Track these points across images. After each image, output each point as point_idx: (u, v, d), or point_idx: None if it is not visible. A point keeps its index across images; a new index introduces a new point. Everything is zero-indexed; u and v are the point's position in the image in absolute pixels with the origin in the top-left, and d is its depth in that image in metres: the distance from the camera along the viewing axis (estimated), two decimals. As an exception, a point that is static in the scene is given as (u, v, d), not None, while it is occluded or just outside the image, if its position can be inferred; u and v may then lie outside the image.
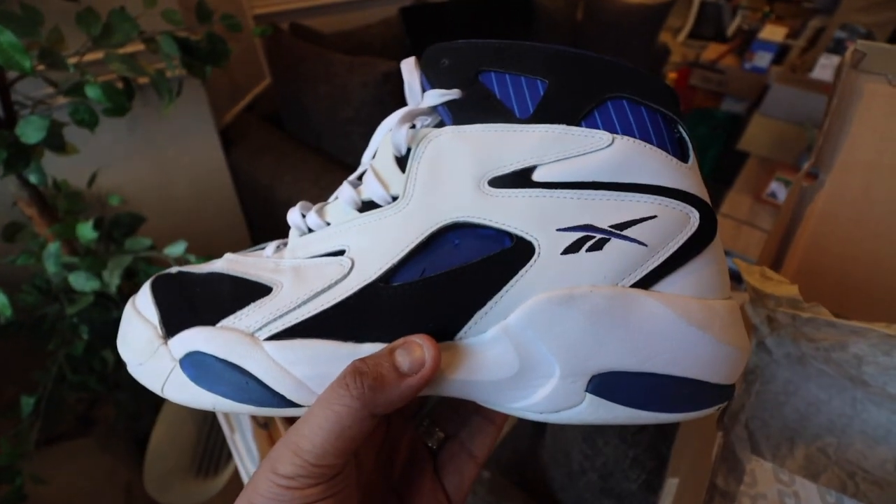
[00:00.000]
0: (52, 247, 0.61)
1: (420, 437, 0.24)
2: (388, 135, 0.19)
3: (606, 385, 0.17)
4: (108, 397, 0.79)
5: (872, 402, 0.35)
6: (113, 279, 0.63)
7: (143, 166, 0.89)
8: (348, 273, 0.18)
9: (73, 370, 0.68)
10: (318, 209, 0.20)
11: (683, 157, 0.18)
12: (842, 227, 0.36)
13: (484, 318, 0.17)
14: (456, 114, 0.18)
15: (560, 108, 0.17)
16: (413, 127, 0.19)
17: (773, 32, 1.88)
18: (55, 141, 0.54)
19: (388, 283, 0.18)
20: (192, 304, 0.19)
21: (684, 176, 0.18)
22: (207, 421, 0.79)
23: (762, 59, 1.88)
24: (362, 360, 0.17)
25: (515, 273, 0.17)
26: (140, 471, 0.73)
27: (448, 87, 0.18)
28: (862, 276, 0.34)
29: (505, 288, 0.17)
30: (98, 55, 0.59)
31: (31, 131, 0.49)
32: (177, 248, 0.64)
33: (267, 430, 0.66)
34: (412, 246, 0.17)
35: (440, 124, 0.19)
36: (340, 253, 0.18)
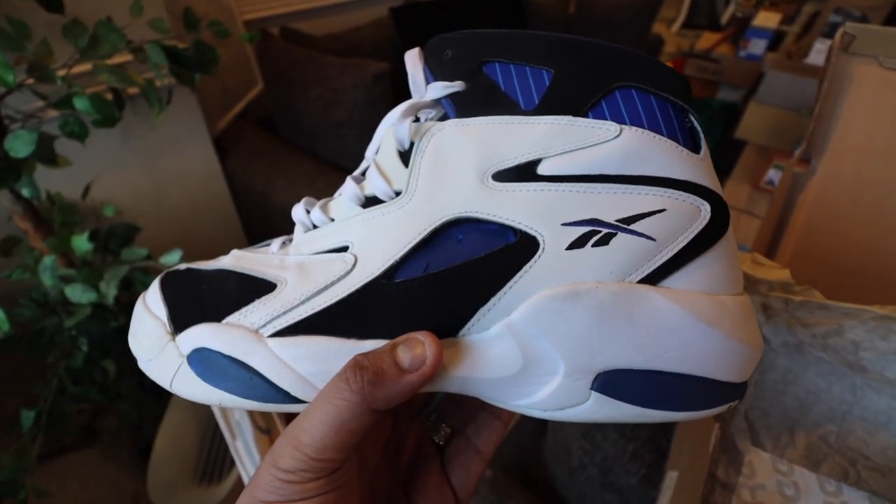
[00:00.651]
0: (48, 260, 0.61)
1: (427, 432, 0.24)
2: (390, 129, 0.19)
3: (612, 383, 0.17)
4: (111, 408, 0.79)
5: (872, 388, 0.35)
6: (110, 290, 0.63)
7: (138, 176, 0.89)
8: (351, 269, 0.18)
9: (73, 382, 0.69)
10: (322, 205, 0.20)
11: (695, 148, 0.18)
12: (835, 211, 0.35)
13: (487, 315, 0.17)
14: (459, 106, 0.18)
15: (566, 98, 0.17)
16: (416, 120, 0.19)
17: (767, 19, 1.87)
18: (46, 154, 0.54)
19: (390, 280, 0.17)
20: (199, 300, 0.19)
21: (695, 167, 0.17)
22: (210, 428, 0.79)
23: (757, 46, 1.87)
24: (363, 354, 0.17)
25: (520, 269, 0.17)
26: (145, 480, 0.73)
27: (451, 80, 0.18)
28: (856, 260, 0.34)
29: (509, 284, 0.17)
30: (87, 66, 0.59)
31: (19, 145, 0.49)
32: (172, 258, 0.64)
33: (269, 436, 0.66)
34: (415, 242, 0.17)
35: (444, 117, 0.18)
36: (344, 249, 0.18)
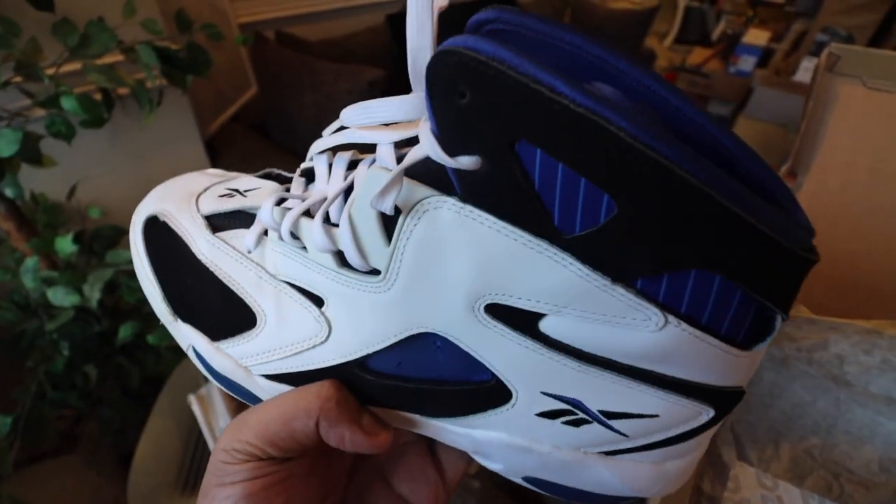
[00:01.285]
0: (30, 261, 0.59)
1: None
2: (373, 171, 0.14)
3: (535, 482, 0.18)
4: (92, 414, 0.77)
5: (856, 402, 0.35)
6: (93, 293, 0.62)
7: (126, 178, 0.88)
8: (326, 339, 0.17)
9: (53, 387, 0.67)
10: (293, 222, 0.16)
11: (747, 343, 0.13)
12: (820, 228, 0.36)
13: (448, 426, 0.18)
14: (468, 186, 0.12)
15: (620, 252, 0.12)
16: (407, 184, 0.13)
17: (757, 36, 1.91)
18: (31, 153, 0.54)
19: (363, 367, 0.17)
20: (189, 300, 0.19)
21: (732, 368, 0.13)
22: (193, 436, 0.77)
23: (746, 62, 1.90)
24: (343, 391, 0.17)
25: (485, 410, 0.16)
26: (126, 487, 0.72)
27: (462, 145, 0.12)
28: (841, 275, 0.35)
29: (472, 416, 0.17)
30: (76, 66, 0.59)
31: (3, 144, 0.48)
32: (159, 260, 0.64)
33: (253, 444, 0.64)
34: (393, 340, 0.16)
35: (447, 188, 0.13)
36: (319, 301, 0.16)
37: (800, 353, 0.32)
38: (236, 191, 0.20)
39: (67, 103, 0.52)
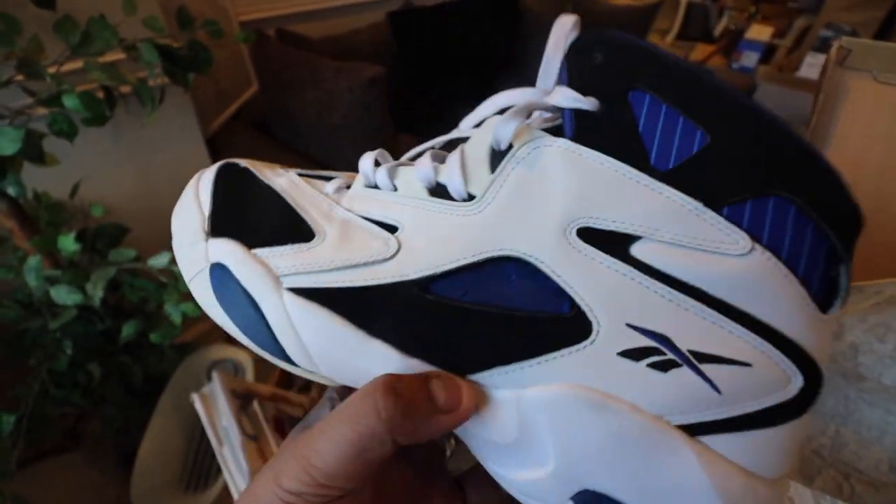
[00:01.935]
0: (33, 260, 0.59)
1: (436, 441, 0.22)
2: (493, 121, 0.16)
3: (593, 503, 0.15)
4: (95, 412, 0.77)
5: (865, 400, 0.35)
6: (96, 292, 0.62)
7: (128, 176, 0.87)
8: (391, 257, 0.16)
9: (56, 385, 0.67)
10: (390, 168, 0.18)
11: (824, 306, 0.14)
12: (830, 224, 0.35)
13: (503, 376, 0.16)
14: (581, 128, 0.14)
15: (710, 178, 0.13)
16: (528, 118, 0.16)
17: (760, 32, 1.90)
18: (33, 152, 0.53)
19: (423, 290, 0.16)
20: (242, 213, 0.18)
21: (813, 329, 0.14)
22: (196, 434, 0.77)
23: (749, 58, 1.89)
24: (397, 378, 0.15)
25: (558, 349, 0.15)
26: (129, 486, 0.72)
27: (587, 92, 0.14)
28: (852, 271, 0.34)
29: (540, 359, 0.15)
30: (78, 64, 0.58)
31: (5, 142, 0.48)
32: (161, 260, 0.63)
33: (256, 443, 0.64)
34: (465, 262, 0.15)
35: (558, 130, 0.15)
36: (393, 229, 0.17)
37: (810, 351, 0.32)
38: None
39: (69, 101, 0.52)
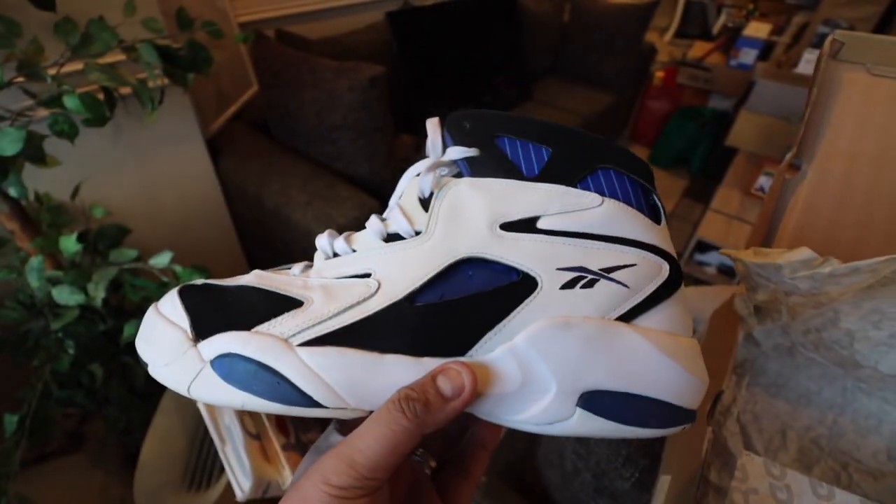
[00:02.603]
0: (35, 261, 0.60)
1: (416, 463, 0.26)
2: (414, 179, 0.23)
3: (594, 401, 0.20)
4: (98, 413, 0.77)
5: (863, 391, 0.35)
6: (98, 292, 0.62)
7: (129, 177, 0.88)
8: (375, 292, 0.20)
9: (59, 386, 0.67)
10: (345, 237, 0.23)
11: (656, 220, 0.22)
12: (824, 215, 0.35)
13: (493, 339, 0.20)
14: (474, 168, 0.22)
15: (561, 171, 0.21)
16: (435, 175, 0.22)
17: (758, 29, 1.90)
18: (34, 153, 0.54)
19: (412, 303, 0.20)
20: (224, 311, 0.20)
21: (657, 234, 0.22)
22: (198, 434, 0.77)
23: (747, 55, 1.89)
24: (409, 387, 0.19)
25: (521, 302, 0.20)
26: (132, 486, 0.72)
27: (468, 146, 0.22)
28: (845, 261, 0.34)
29: (512, 314, 0.20)
30: (78, 65, 0.59)
31: (7, 143, 0.48)
32: (162, 259, 0.64)
33: (259, 441, 0.65)
34: (433, 274, 0.20)
35: (458, 175, 0.22)
36: (367, 276, 0.21)
37: (808, 337, 0.32)
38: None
39: (70, 102, 0.52)
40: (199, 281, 0.22)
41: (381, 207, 0.99)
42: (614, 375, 0.20)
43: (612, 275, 0.21)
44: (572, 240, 0.21)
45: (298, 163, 1.07)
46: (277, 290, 0.21)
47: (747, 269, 0.30)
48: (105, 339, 0.69)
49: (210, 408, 0.61)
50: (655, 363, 0.20)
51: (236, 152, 1.09)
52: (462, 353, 0.20)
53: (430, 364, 0.20)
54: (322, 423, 0.77)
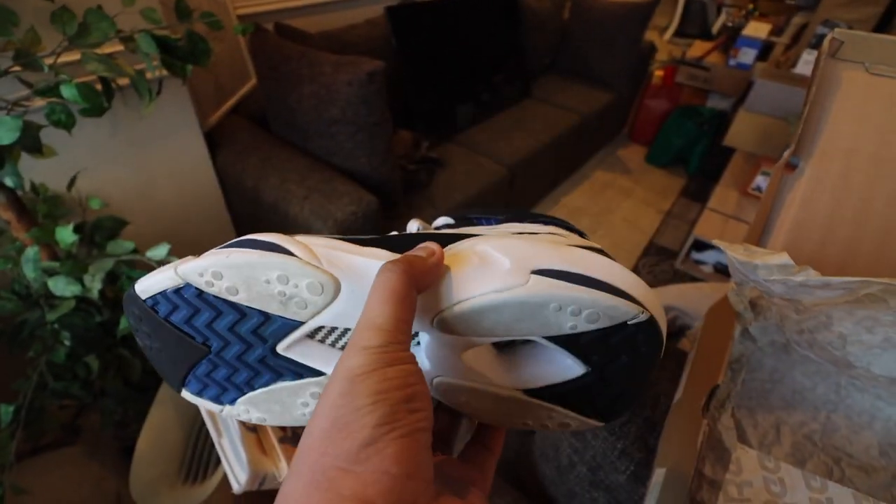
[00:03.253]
0: (31, 251, 0.59)
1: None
2: None
3: (544, 272, 0.21)
4: (94, 405, 0.77)
5: (856, 387, 0.35)
6: (94, 284, 0.62)
7: (126, 169, 0.87)
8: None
9: (54, 377, 0.67)
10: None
11: None
12: (821, 212, 0.36)
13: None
14: None
15: None
16: None
17: (757, 29, 1.90)
18: (31, 143, 0.53)
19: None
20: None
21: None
22: (195, 426, 0.77)
23: (746, 55, 1.90)
24: (390, 260, 0.21)
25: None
26: (128, 478, 0.72)
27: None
28: (842, 258, 0.35)
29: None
30: (75, 55, 0.58)
31: (3, 132, 0.48)
32: (159, 251, 0.63)
33: (256, 434, 0.65)
34: None
35: None
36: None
37: (802, 336, 0.32)
38: None
39: (67, 91, 0.52)
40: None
41: (378, 203, 0.99)
42: (560, 261, 0.21)
43: None
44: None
45: (296, 157, 1.07)
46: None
47: (733, 264, 0.30)
48: (101, 330, 0.68)
49: (207, 400, 0.61)
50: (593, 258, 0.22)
51: (234, 145, 1.09)
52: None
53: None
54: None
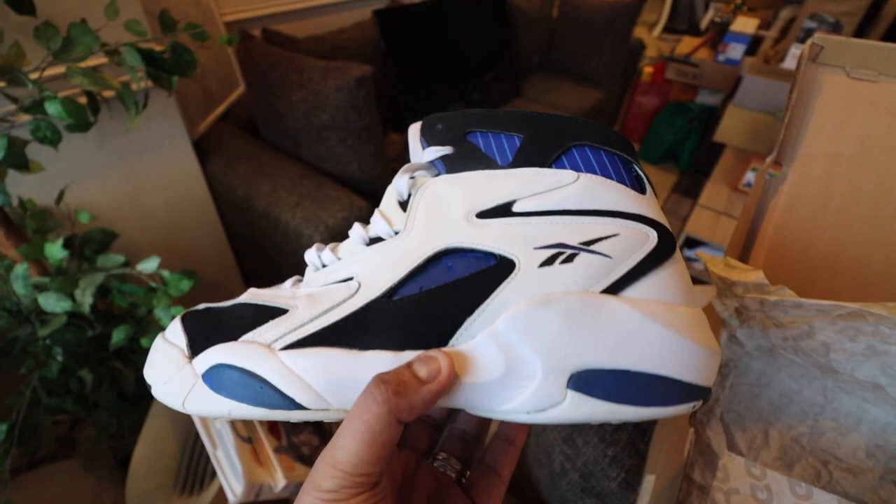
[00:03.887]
0: (20, 268, 0.59)
1: (440, 468, 0.25)
2: (392, 184, 0.23)
3: (585, 381, 0.19)
4: (88, 418, 0.77)
5: (843, 389, 0.36)
6: (86, 298, 0.62)
7: (115, 181, 0.87)
8: (355, 293, 0.20)
9: (48, 392, 0.67)
10: (331, 247, 0.24)
11: (641, 191, 0.21)
12: (804, 218, 0.36)
13: (473, 325, 0.20)
14: (449, 165, 0.22)
15: (533, 155, 0.21)
16: (413, 178, 0.23)
17: (745, 24, 1.91)
18: (17, 159, 0.53)
19: (390, 298, 0.20)
20: (217, 327, 0.21)
21: (642, 204, 0.21)
22: (190, 438, 0.77)
23: (735, 50, 1.90)
24: (384, 372, 0.18)
25: (500, 284, 0.20)
26: (125, 491, 0.72)
27: (442, 145, 0.22)
28: (825, 262, 0.35)
29: (491, 297, 0.20)
30: (60, 70, 0.58)
31: (-12, 151, 0.48)
32: (150, 265, 0.63)
33: (251, 445, 0.65)
34: (411, 268, 0.20)
35: (436, 175, 0.22)
36: (349, 279, 0.21)
37: (786, 343, 0.32)
38: None
39: (52, 108, 0.52)
40: (202, 306, 0.23)
41: (370, 208, 0.99)
42: (604, 351, 0.18)
43: (592, 247, 0.20)
44: (549, 218, 0.20)
45: (287, 164, 1.06)
46: (265, 303, 0.22)
47: (722, 280, 0.31)
48: (93, 345, 0.68)
49: (201, 413, 0.61)
50: (647, 333, 0.19)
51: (224, 154, 1.08)
52: (443, 343, 0.20)
53: (410, 357, 0.19)
54: (313, 426, 0.77)
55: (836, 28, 1.63)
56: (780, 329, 0.30)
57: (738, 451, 0.34)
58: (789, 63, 1.60)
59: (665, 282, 0.20)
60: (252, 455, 0.61)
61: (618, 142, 0.21)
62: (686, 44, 2.12)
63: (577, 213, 0.20)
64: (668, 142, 2.06)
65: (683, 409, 0.19)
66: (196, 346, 0.21)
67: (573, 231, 0.20)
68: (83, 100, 0.58)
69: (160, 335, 0.22)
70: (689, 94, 2.14)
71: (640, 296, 0.20)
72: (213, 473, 0.74)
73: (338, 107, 0.95)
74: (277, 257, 1.07)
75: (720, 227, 1.45)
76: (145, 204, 0.93)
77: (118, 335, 0.66)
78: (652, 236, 0.20)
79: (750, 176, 1.54)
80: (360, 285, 0.21)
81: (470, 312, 0.20)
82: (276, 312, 0.21)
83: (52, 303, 0.60)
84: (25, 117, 0.62)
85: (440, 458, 0.26)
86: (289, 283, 0.24)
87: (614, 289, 0.20)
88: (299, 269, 0.30)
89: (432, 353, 0.19)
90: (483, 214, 0.21)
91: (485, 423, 0.27)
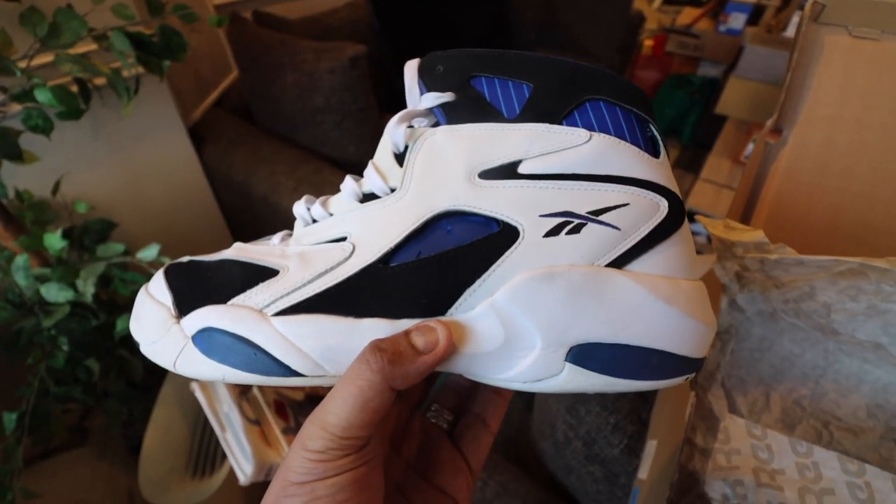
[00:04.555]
0: (20, 259, 0.59)
1: (430, 420, 0.25)
2: (386, 134, 0.21)
3: (583, 355, 0.19)
4: (98, 407, 0.78)
5: (843, 351, 0.36)
6: (87, 288, 0.62)
7: (110, 170, 0.86)
8: (350, 256, 0.19)
9: (56, 382, 0.68)
10: (322, 201, 0.22)
11: (655, 154, 0.20)
12: (805, 181, 0.36)
13: (473, 296, 0.19)
14: (449, 114, 0.20)
15: (543, 108, 0.19)
16: (411, 127, 0.21)
17: (746, -8, 1.87)
18: (10, 150, 0.53)
19: (386, 264, 0.19)
20: (204, 286, 0.20)
21: (655, 169, 0.20)
22: (199, 422, 0.78)
23: (737, 20, 1.86)
24: (380, 339, 0.18)
25: (502, 254, 0.19)
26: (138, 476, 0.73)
27: (443, 91, 0.20)
28: (826, 225, 0.35)
29: (492, 267, 0.19)
30: (49, 57, 0.57)
31: (-20, 141, 0.47)
32: (150, 252, 0.63)
33: (259, 427, 0.66)
34: (409, 231, 0.19)
35: (436, 125, 0.20)
36: (342, 239, 0.20)
37: (787, 305, 0.32)
38: None
39: (42, 95, 0.51)
40: (185, 258, 0.22)
41: (369, 190, 0.98)
42: (605, 326, 0.18)
43: (600, 217, 0.19)
44: (557, 182, 0.19)
45: (284, 148, 1.06)
46: (254, 261, 0.20)
47: (722, 242, 0.30)
48: (99, 334, 0.69)
49: (208, 396, 0.62)
50: (650, 310, 0.18)
51: (220, 140, 1.08)
52: (441, 312, 0.19)
53: (407, 326, 0.19)
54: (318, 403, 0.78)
55: (839, -7, 1.59)
56: (781, 290, 0.30)
57: (739, 415, 0.34)
58: (792, 32, 1.57)
59: (671, 255, 0.20)
60: (260, 437, 0.62)
61: (635, 97, 0.19)
62: (687, 15, 2.07)
63: (588, 179, 0.19)
64: (669, 116, 2.04)
65: (677, 381, 0.20)
66: (182, 305, 0.20)
67: (582, 198, 0.19)
68: (74, 87, 0.58)
69: (144, 288, 0.21)
70: (690, 66, 2.10)
71: (645, 269, 0.19)
72: (224, 456, 0.75)
73: (332, 88, 0.94)
74: (278, 243, 1.06)
75: (722, 199, 1.45)
76: (143, 192, 0.93)
77: (122, 324, 0.66)
78: (663, 206, 0.19)
79: (752, 147, 1.52)
80: (354, 247, 0.20)
81: (470, 283, 0.19)
82: (266, 273, 0.20)
83: (55, 293, 0.60)
84: (16, 107, 0.61)
85: (433, 409, 0.25)
86: (277, 237, 0.22)
87: (619, 262, 0.19)
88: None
89: (431, 322, 0.19)
90: (486, 174, 0.19)
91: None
